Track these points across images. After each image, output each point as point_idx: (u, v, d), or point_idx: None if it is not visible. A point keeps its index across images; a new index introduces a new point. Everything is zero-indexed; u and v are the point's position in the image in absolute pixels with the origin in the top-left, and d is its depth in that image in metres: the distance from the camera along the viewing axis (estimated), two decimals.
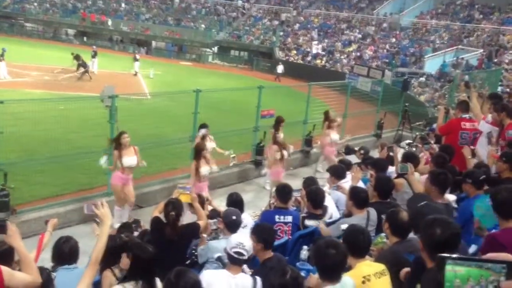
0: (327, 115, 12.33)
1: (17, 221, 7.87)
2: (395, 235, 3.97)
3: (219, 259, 4.56)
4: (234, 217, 5.03)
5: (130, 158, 8.39)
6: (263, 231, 4.36)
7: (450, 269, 1.05)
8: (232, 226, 4.99)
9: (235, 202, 5.78)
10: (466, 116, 7.43)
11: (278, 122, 11.02)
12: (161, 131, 11.85)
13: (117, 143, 8.38)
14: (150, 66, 30.48)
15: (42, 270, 3.41)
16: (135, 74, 29.20)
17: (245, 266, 4.02)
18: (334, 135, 12.02)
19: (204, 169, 8.46)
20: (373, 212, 4.99)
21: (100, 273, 4.31)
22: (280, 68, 33.38)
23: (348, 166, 7.56)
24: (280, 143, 10.21)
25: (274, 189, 6.29)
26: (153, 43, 47.27)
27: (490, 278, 1.04)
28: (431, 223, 3.01)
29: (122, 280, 3.61)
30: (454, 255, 1.06)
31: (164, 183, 10.13)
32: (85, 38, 47.03)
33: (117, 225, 7.72)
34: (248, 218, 6.03)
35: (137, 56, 30.46)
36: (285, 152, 10.19)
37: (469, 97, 8.14)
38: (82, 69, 25.49)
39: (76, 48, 35.54)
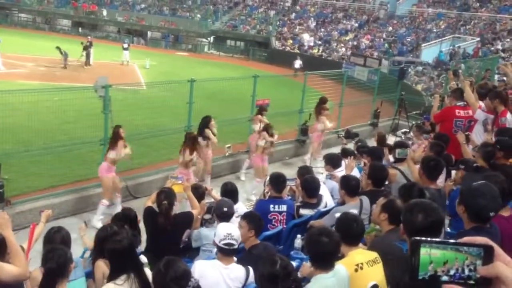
0: (322, 100, 12.27)
1: (13, 212, 7.85)
2: (392, 223, 3.96)
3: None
4: (225, 209, 5.07)
5: (125, 150, 8.43)
6: (255, 218, 4.39)
7: (425, 252, 1.03)
8: (224, 217, 5.02)
9: (230, 191, 5.79)
10: (461, 103, 7.42)
11: (262, 110, 11.10)
12: (157, 121, 11.80)
13: (117, 137, 8.37)
14: (145, 57, 30.30)
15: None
16: (123, 64, 28.85)
17: None
18: (326, 123, 11.98)
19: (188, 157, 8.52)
20: (366, 200, 4.99)
21: (92, 263, 4.31)
22: (297, 63, 30.04)
23: (344, 154, 7.58)
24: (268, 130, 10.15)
25: (267, 178, 6.28)
26: (149, 33, 46.96)
27: (466, 261, 1.02)
28: (412, 208, 2.97)
29: (111, 276, 3.58)
30: (429, 239, 1.04)
31: (160, 173, 10.11)
32: (80, 29, 46.67)
33: (99, 222, 7.76)
34: (243, 208, 6.04)
35: (125, 45, 29.98)
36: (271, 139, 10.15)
37: (458, 85, 8.12)
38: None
39: (71, 38, 35.34)
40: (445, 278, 1.03)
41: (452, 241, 1.05)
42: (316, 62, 30.81)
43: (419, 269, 1.03)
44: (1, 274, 2.91)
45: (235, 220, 5.11)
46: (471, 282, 1.02)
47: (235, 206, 5.53)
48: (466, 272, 1.02)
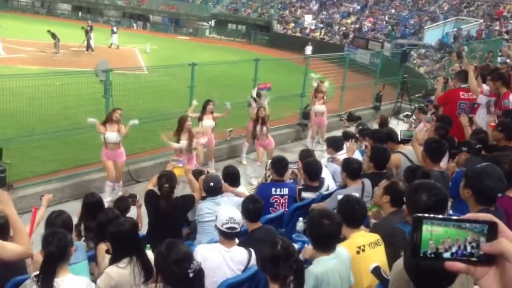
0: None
1: (15, 196, 7.88)
2: (394, 205, 3.96)
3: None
4: (212, 184, 5.18)
5: (110, 134, 8.36)
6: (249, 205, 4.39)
7: (427, 229, 1.01)
8: (211, 191, 5.18)
9: (231, 174, 5.78)
10: (465, 86, 7.36)
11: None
12: (158, 106, 11.76)
13: (108, 117, 8.39)
14: (146, 41, 30.12)
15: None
16: (111, 47, 28.52)
17: None
18: (319, 106, 11.91)
19: (182, 143, 8.50)
20: (368, 183, 4.98)
21: (95, 247, 4.33)
22: (308, 49, 28.73)
23: (346, 137, 7.55)
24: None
25: (269, 161, 6.28)
26: (150, 17, 46.64)
27: (468, 238, 1.00)
28: (416, 187, 2.98)
29: (114, 260, 3.60)
30: (431, 215, 1.02)
31: (161, 157, 10.10)
32: (80, 13, 46.36)
33: (108, 200, 7.80)
34: (245, 192, 6.04)
35: (115, 29, 29.61)
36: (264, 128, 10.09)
37: (461, 67, 8.05)
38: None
39: (71, 23, 35.11)
40: (447, 255, 1.02)
41: (455, 217, 1.03)
42: (317, 45, 30.62)
43: (421, 246, 1.02)
44: (3, 253, 2.91)
45: (233, 202, 5.14)
46: (474, 259, 1.01)
47: (238, 189, 5.56)
48: (469, 249, 1.01)
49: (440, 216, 1.03)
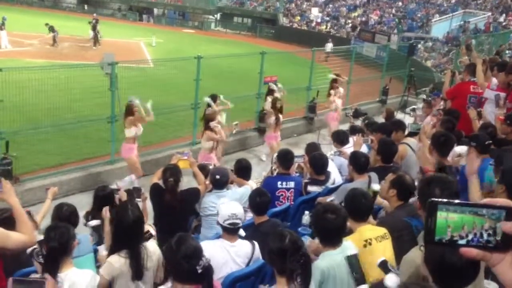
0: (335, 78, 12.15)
1: (21, 189, 7.93)
2: (401, 199, 3.93)
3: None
4: (218, 176, 5.17)
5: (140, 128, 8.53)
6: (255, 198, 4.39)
7: (442, 216, 0.99)
8: (217, 184, 5.18)
9: (245, 167, 5.75)
10: (475, 79, 7.29)
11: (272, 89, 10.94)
12: (164, 99, 11.76)
13: (130, 112, 8.36)
14: (152, 34, 30.09)
15: None
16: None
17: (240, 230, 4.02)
18: (339, 101, 11.88)
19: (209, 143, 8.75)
20: (374, 176, 4.95)
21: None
22: (329, 46, 24.69)
23: (352, 131, 7.51)
24: (276, 109, 10.16)
25: (275, 155, 6.25)
26: (155, 11, 46.56)
27: (485, 225, 0.98)
28: (429, 181, 2.95)
29: (114, 249, 3.59)
30: (446, 200, 1.00)
31: (167, 150, 10.11)
32: (85, 6, 46.35)
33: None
34: (254, 186, 6.01)
35: (93, 22, 27.96)
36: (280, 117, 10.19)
37: (470, 60, 7.96)
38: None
39: (77, 16, 35.11)
40: (462, 242, 1.00)
41: (471, 202, 1.01)
42: (324, 39, 30.47)
43: (435, 232, 1.00)
44: (8, 243, 2.92)
45: (237, 195, 5.13)
46: (490, 245, 0.99)
47: (249, 183, 5.55)
48: (485, 236, 0.99)
49: (456, 201, 1.01)
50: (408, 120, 11.55)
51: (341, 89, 12.09)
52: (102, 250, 3.92)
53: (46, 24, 25.44)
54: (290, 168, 5.77)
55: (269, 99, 10.62)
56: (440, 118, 6.97)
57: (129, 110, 8.34)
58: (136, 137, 8.57)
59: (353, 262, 3.21)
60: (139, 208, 4.05)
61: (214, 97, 9.38)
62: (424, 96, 13.97)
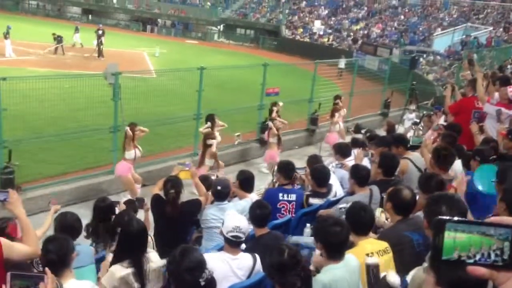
0: (334, 98, 12.19)
1: (23, 198, 7.91)
2: (398, 213, 3.93)
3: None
4: (219, 187, 5.14)
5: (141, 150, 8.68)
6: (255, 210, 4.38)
7: (450, 236, 1.00)
8: (218, 195, 5.16)
9: (248, 178, 5.71)
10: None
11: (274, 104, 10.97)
12: (166, 109, 11.82)
13: (130, 136, 8.45)
14: (155, 45, 30.26)
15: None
16: (74, 46, 27.56)
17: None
18: (336, 126, 11.88)
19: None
20: (376, 190, 4.95)
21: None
22: (342, 63, 23.18)
23: (354, 144, 7.53)
24: (277, 126, 10.22)
25: (276, 167, 6.26)
26: (159, 21, 46.86)
27: (493, 246, 0.99)
28: (436, 200, 2.95)
29: (117, 259, 3.59)
30: (454, 218, 1.01)
31: (169, 161, 10.13)
32: (90, 16, 46.67)
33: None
34: (256, 198, 6.01)
35: (78, 27, 28.83)
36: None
37: (473, 74, 7.97)
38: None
39: (81, 26, 35.29)
40: (469, 261, 1.01)
41: (479, 221, 1.02)
42: (326, 51, 30.62)
43: (443, 252, 1.01)
44: (12, 253, 2.92)
45: (239, 207, 5.13)
46: (498, 264, 1.00)
47: (250, 195, 5.53)
48: (493, 257, 1.00)
49: (463, 219, 1.02)
50: (409, 133, 11.57)
51: (344, 110, 12.20)
52: (108, 257, 3.93)
53: (53, 34, 25.61)
54: (292, 177, 5.78)
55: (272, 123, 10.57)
56: (441, 133, 7.00)
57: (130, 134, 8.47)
58: (136, 158, 8.66)
59: (374, 272, 3.17)
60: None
61: (212, 117, 9.61)
62: (412, 109, 14.03)
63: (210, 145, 9.23)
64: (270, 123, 10.49)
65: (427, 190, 4.03)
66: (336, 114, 11.78)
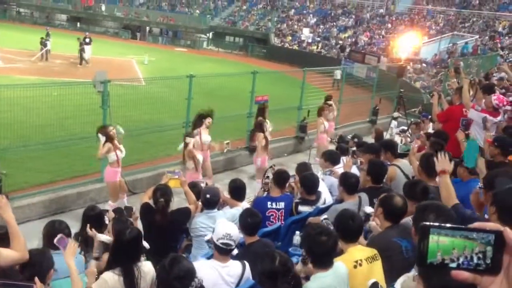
0: (325, 99, 12.23)
1: (11, 206, 7.83)
2: (388, 220, 3.96)
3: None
4: (208, 196, 5.15)
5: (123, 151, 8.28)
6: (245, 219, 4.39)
7: (433, 240, 1.03)
8: (207, 203, 5.16)
9: (239, 187, 5.73)
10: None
11: (263, 108, 10.92)
12: (155, 117, 11.78)
13: (109, 136, 8.00)
14: (144, 52, 30.22)
15: None
16: (42, 51, 25.93)
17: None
18: (321, 126, 11.90)
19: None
20: (364, 197, 4.99)
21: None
22: (338, 73, 21.96)
23: (343, 151, 7.58)
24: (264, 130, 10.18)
25: (266, 175, 6.27)
26: (148, 29, 46.84)
27: (476, 249, 1.02)
28: (424, 208, 2.98)
29: (110, 266, 3.58)
30: (437, 224, 1.04)
31: (158, 169, 10.09)
32: (78, 24, 46.51)
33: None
34: (247, 206, 6.01)
35: (49, 32, 27.29)
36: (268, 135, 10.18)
37: (459, 82, 8.07)
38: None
39: (69, 34, 35.19)
40: (453, 265, 1.03)
41: (462, 226, 1.04)
42: (314, 59, 30.80)
43: (428, 256, 1.03)
44: (1, 259, 2.89)
45: (229, 216, 5.12)
46: (480, 268, 1.02)
47: (241, 204, 5.54)
48: (475, 260, 1.02)
49: (448, 225, 1.05)
50: (397, 141, 11.66)
51: (330, 114, 12.23)
52: (93, 265, 3.89)
53: (42, 38, 25.43)
54: (284, 187, 5.81)
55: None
56: (424, 141, 7.07)
57: (110, 137, 8.06)
58: (119, 160, 8.32)
59: None
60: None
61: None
62: (396, 116, 14.16)
63: (188, 143, 9.00)
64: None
65: (412, 197, 4.09)
66: (323, 114, 11.83)
